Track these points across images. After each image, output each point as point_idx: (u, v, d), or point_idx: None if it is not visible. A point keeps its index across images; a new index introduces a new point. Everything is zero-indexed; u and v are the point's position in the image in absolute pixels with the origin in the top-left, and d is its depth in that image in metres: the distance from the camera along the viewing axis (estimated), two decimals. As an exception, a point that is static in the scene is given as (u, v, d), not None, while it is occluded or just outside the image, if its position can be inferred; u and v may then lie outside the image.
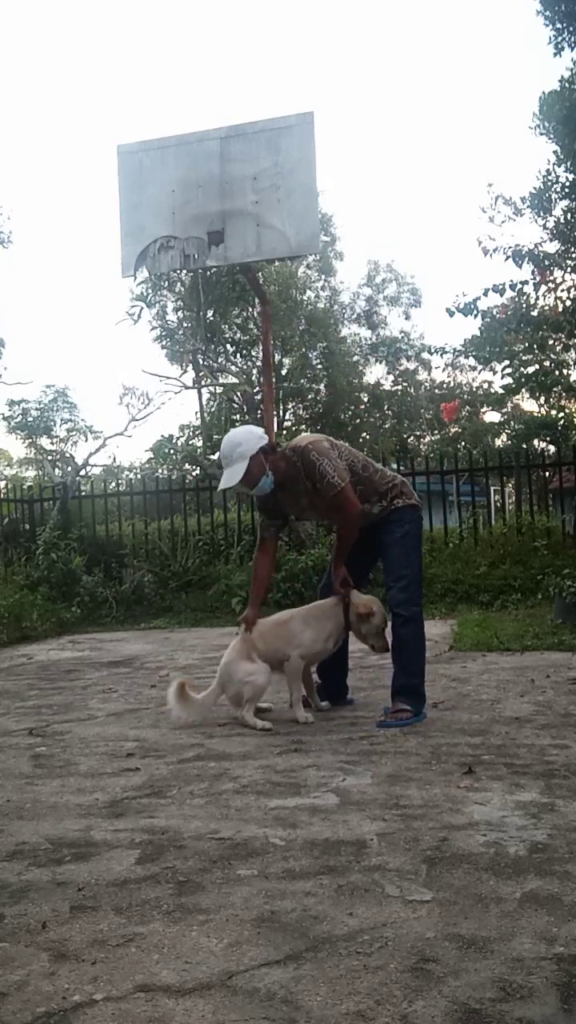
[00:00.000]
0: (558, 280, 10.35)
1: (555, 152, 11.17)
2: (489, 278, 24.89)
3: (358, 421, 25.41)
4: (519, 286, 9.19)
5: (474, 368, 18.95)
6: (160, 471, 14.20)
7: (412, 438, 27.10)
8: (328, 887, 2.01)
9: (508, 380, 11.09)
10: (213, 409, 18.04)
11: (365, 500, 3.85)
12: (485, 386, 24.90)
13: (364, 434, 24.60)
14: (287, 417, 24.28)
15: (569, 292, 10.17)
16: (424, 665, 3.85)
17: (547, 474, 10.84)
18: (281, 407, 23.29)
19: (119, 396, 13.51)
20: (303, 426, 23.41)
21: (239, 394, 18.87)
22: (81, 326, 55.14)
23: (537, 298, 10.34)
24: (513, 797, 2.61)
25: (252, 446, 3.78)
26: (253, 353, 19.92)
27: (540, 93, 11.13)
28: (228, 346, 19.07)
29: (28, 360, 48.83)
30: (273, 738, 3.54)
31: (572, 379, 12.01)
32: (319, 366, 24.19)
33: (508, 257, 9.34)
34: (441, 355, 11.16)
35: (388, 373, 28.24)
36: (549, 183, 11.35)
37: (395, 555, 3.89)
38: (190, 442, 17.98)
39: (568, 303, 9.82)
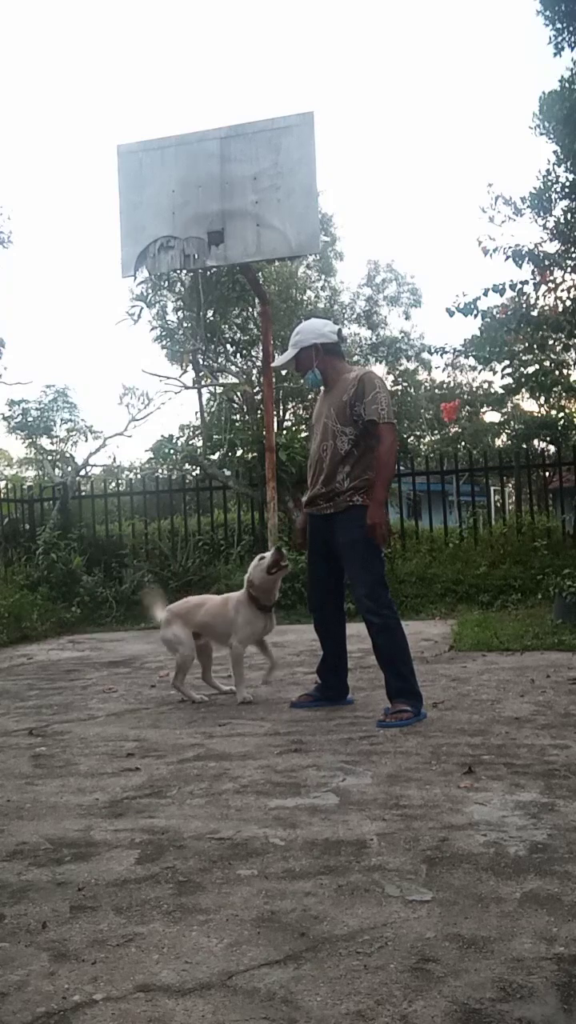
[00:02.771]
0: (558, 280, 10.36)
1: (555, 152, 11.19)
2: (489, 278, 24.96)
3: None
4: (519, 286, 9.20)
5: (474, 368, 18.93)
6: (160, 471, 14.18)
7: (412, 438, 27.10)
8: (328, 887, 2.01)
9: (508, 380, 11.09)
10: (213, 409, 18.02)
11: (334, 477, 3.91)
12: (485, 386, 24.93)
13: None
14: (287, 417, 24.29)
15: (569, 292, 10.18)
16: (411, 665, 3.85)
17: (547, 474, 10.84)
18: (281, 407, 23.30)
19: (119, 396, 13.48)
20: (303, 426, 23.39)
21: (239, 394, 18.88)
22: (81, 326, 55.22)
23: (537, 298, 10.35)
24: (513, 797, 2.61)
25: (307, 340, 4.02)
26: (253, 353, 19.93)
27: (540, 93, 11.16)
28: (228, 346, 19.07)
29: (28, 360, 48.92)
30: (273, 738, 3.54)
31: (572, 379, 12.01)
32: (295, 373, 24.15)
33: (508, 257, 9.35)
34: (441, 355, 11.17)
35: (388, 373, 28.27)
36: (549, 183, 11.36)
37: (354, 559, 3.89)
38: (190, 442, 17.98)
39: (568, 303, 9.83)
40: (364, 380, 3.88)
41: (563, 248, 11.00)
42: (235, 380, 19.93)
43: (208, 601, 4.56)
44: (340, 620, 4.18)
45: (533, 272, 9.82)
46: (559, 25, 10.11)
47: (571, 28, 10.09)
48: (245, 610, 4.32)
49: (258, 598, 4.31)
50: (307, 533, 4.14)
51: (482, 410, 24.25)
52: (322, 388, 4.12)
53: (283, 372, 21.28)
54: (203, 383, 18.40)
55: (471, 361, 13.54)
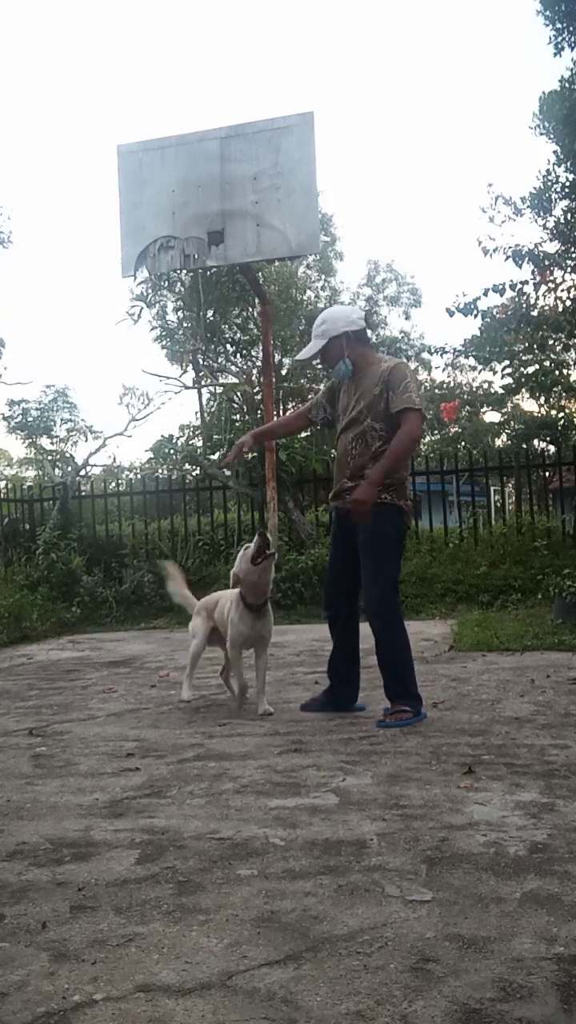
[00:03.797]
0: (558, 280, 10.37)
1: (555, 152, 11.20)
2: (489, 278, 24.92)
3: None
4: (519, 286, 9.21)
5: (474, 368, 18.93)
6: (160, 471, 14.18)
7: (412, 438, 27.04)
8: (328, 887, 2.01)
9: (508, 380, 11.11)
10: (213, 409, 18.01)
11: (360, 473, 3.73)
12: (485, 386, 24.93)
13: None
14: (287, 417, 24.26)
15: (569, 292, 10.18)
16: (412, 668, 3.78)
17: (547, 474, 10.84)
18: (281, 407, 23.28)
19: (119, 396, 13.48)
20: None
21: (239, 394, 18.85)
22: (81, 326, 55.22)
23: (537, 298, 10.36)
24: (513, 797, 2.61)
25: (336, 328, 3.79)
26: (253, 353, 19.90)
27: (540, 93, 11.17)
28: (228, 346, 19.05)
29: (28, 360, 48.93)
30: (273, 738, 3.54)
31: (572, 379, 12.02)
32: (319, 366, 24.16)
33: (508, 257, 9.36)
34: (441, 355, 11.17)
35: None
36: (549, 183, 11.36)
37: (369, 556, 3.73)
38: (190, 442, 17.98)
39: (568, 303, 9.83)
40: (395, 371, 3.72)
41: (563, 248, 11.00)
42: (235, 380, 19.92)
43: (222, 597, 4.37)
44: (353, 620, 3.96)
45: (533, 272, 9.83)
46: (559, 25, 10.12)
47: (571, 28, 10.09)
48: (234, 609, 4.05)
49: (245, 595, 3.98)
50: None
51: (482, 410, 24.27)
52: (346, 379, 3.91)
53: (283, 372, 21.33)
54: (203, 383, 18.39)
55: (471, 361, 13.55)
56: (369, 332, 3.95)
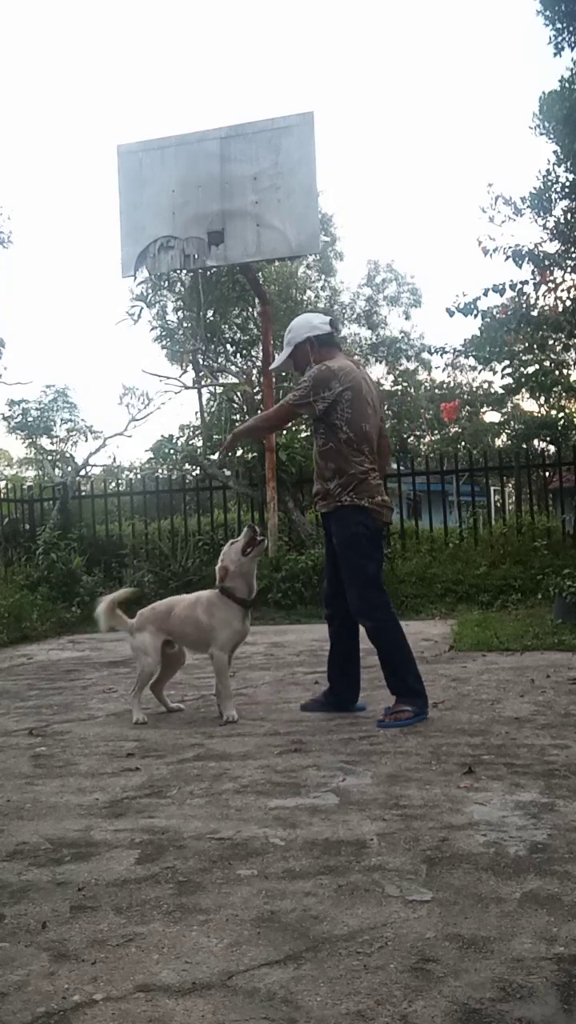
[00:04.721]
0: (558, 280, 10.38)
1: (555, 152, 11.20)
2: (489, 278, 24.97)
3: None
4: (519, 286, 9.22)
5: (474, 368, 18.94)
6: (160, 471, 14.20)
7: (412, 438, 27.11)
8: (328, 887, 2.01)
9: (508, 380, 11.12)
10: (213, 409, 18.02)
11: (323, 475, 3.82)
12: (485, 386, 24.92)
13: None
14: (287, 417, 24.25)
15: (569, 292, 10.19)
16: (413, 664, 3.79)
17: (547, 474, 10.84)
18: (281, 407, 23.25)
19: (119, 396, 13.50)
20: (303, 426, 23.41)
21: (239, 394, 18.87)
22: (81, 326, 55.22)
23: (537, 298, 10.37)
24: (513, 797, 2.61)
25: (299, 335, 3.92)
26: (253, 353, 19.92)
27: (540, 93, 11.17)
28: (228, 346, 19.07)
29: (28, 360, 48.93)
30: (273, 738, 3.54)
31: (572, 379, 12.02)
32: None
33: (508, 257, 9.37)
34: (441, 355, 11.19)
35: (388, 373, 28.25)
36: (549, 183, 11.36)
37: (343, 559, 3.80)
38: (190, 442, 18.00)
39: (568, 303, 9.84)
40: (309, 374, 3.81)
41: (563, 248, 11.01)
42: (235, 380, 19.93)
43: (178, 604, 4.05)
44: (350, 619, 3.93)
45: (533, 272, 9.84)
46: (559, 25, 10.12)
47: (571, 28, 10.09)
48: (220, 610, 3.86)
49: (234, 590, 3.86)
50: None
51: (482, 410, 24.25)
52: None
53: (283, 372, 21.38)
54: (203, 383, 18.40)
55: (471, 361, 13.57)
56: (337, 335, 4.04)
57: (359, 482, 3.76)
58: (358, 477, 3.76)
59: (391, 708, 3.75)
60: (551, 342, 10.62)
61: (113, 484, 11.97)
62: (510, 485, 11.80)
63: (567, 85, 10.76)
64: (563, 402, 13.05)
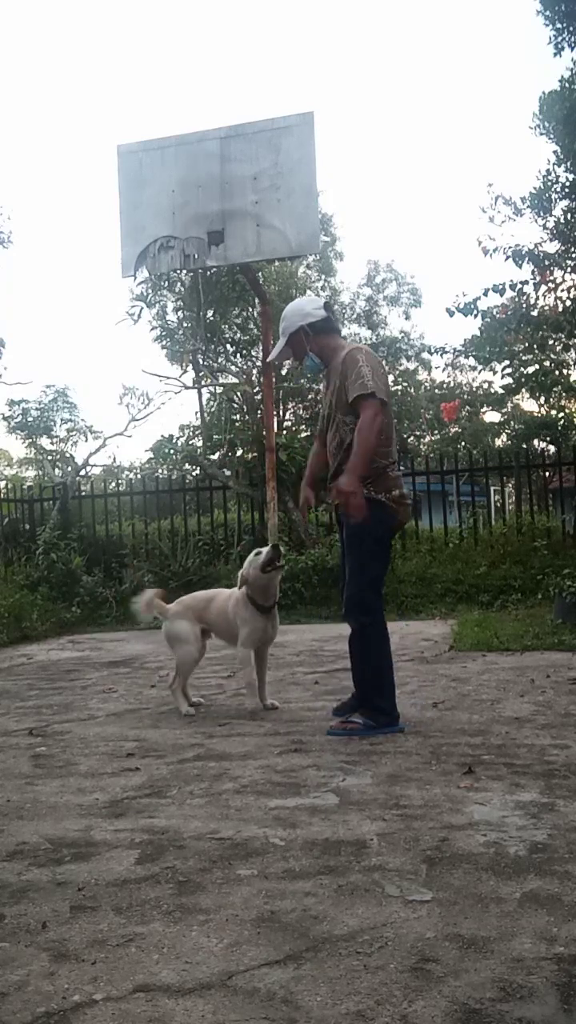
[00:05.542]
0: (558, 280, 10.37)
1: (555, 152, 11.20)
2: (489, 278, 24.97)
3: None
4: (519, 286, 9.21)
5: (474, 368, 18.95)
6: (160, 471, 14.20)
7: (412, 438, 27.11)
8: (328, 887, 2.01)
9: (508, 380, 11.12)
10: (213, 409, 18.01)
11: (344, 466, 3.54)
12: (485, 386, 24.93)
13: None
14: (287, 417, 24.27)
15: (569, 292, 10.19)
16: (385, 677, 3.57)
17: (547, 474, 10.84)
18: (281, 407, 23.28)
19: (119, 396, 13.48)
20: (303, 426, 23.40)
21: (239, 394, 18.85)
22: (81, 326, 55.27)
23: (537, 298, 10.36)
24: (513, 797, 2.61)
25: (293, 324, 3.72)
26: (253, 353, 19.91)
27: (540, 93, 11.17)
28: (228, 346, 19.05)
29: (28, 360, 48.93)
30: (273, 738, 3.54)
31: (572, 379, 12.02)
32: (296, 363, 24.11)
33: (508, 257, 9.36)
34: (441, 355, 11.18)
35: (388, 373, 28.23)
36: (549, 183, 11.36)
37: (351, 553, 3.59)
38: (190, 442, 17.99)
39: (568, 303, 9.84)
40: (347, 358, 3.54)
41: (563, 248, 11.01)
42: (235, 380, 19.90)
43: (217, 596, 4.24)
44: None
45: (533, 272, 9.84)
46: (559, 25, 10.12)
47: (571, 28, 10.09)
48: (243, 609, 4.03)
49: (254, 598, 4.02)
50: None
51: (482, 410, 24.27)
52: (320, 372, 3.84)
53: (283, 372, 21.31)
54: (203, 383, 18.38)
55: (471, 361, 13.56)
56: (333, 319, 3.78)
57: (379, 475, 3.55)
58: (379, 470, 3.55)
59: (348, 715, 3.62)
60: (551, 342, 10.62)
61: (113, 484, 11.97)
62: (510, 485, 11.81)
63: (567, 85, 10.76)
64: (563, 402, 13.06)
